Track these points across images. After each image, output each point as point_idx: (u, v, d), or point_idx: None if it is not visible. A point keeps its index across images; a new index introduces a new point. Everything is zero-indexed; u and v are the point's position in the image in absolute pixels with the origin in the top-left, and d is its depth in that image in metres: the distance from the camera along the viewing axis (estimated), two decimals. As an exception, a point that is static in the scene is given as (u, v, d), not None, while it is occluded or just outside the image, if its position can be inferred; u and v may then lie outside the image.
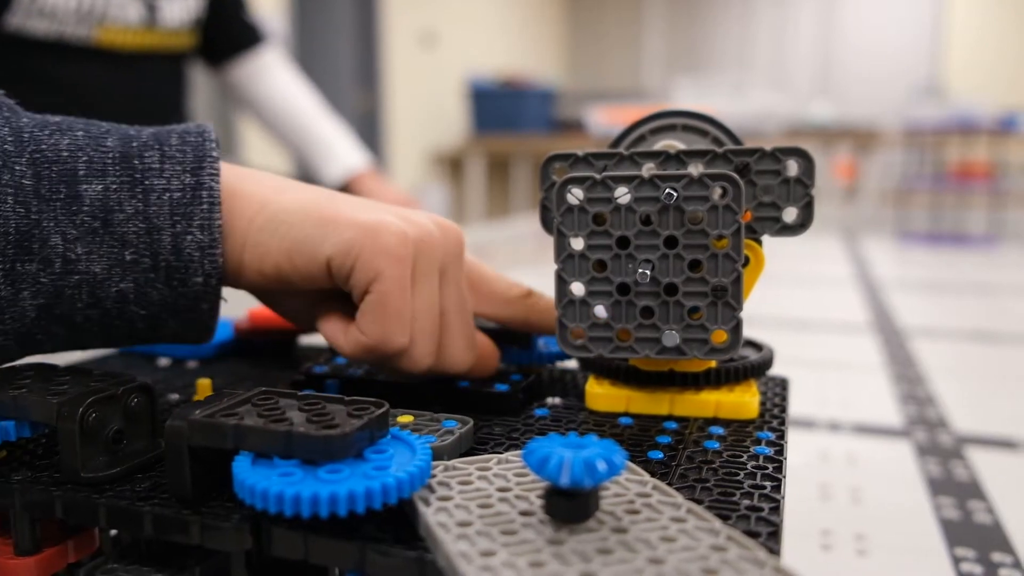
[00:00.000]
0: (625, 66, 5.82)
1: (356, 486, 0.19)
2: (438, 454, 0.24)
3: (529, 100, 3.95)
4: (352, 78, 3.77)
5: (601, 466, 0.18)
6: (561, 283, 0.26)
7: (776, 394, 0.33)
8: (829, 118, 3.51)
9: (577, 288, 0.26)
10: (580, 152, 0.28)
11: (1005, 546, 0.37)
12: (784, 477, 0.24)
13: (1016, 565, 0.35)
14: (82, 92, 0.92)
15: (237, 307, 0.50)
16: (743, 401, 0.27)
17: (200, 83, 1.97)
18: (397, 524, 0.20)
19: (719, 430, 0.28)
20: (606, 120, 2.71)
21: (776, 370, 0.72)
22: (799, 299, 1.02)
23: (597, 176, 0.25)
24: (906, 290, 1.07)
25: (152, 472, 0.25)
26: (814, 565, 0.36)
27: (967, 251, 1.48)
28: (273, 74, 1.14)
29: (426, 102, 4.18)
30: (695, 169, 0.25)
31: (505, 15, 4.96)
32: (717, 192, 0.24)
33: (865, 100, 4.94)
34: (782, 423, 0.29)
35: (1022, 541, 0.38)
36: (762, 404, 0.31)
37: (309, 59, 3.44)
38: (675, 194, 0.24)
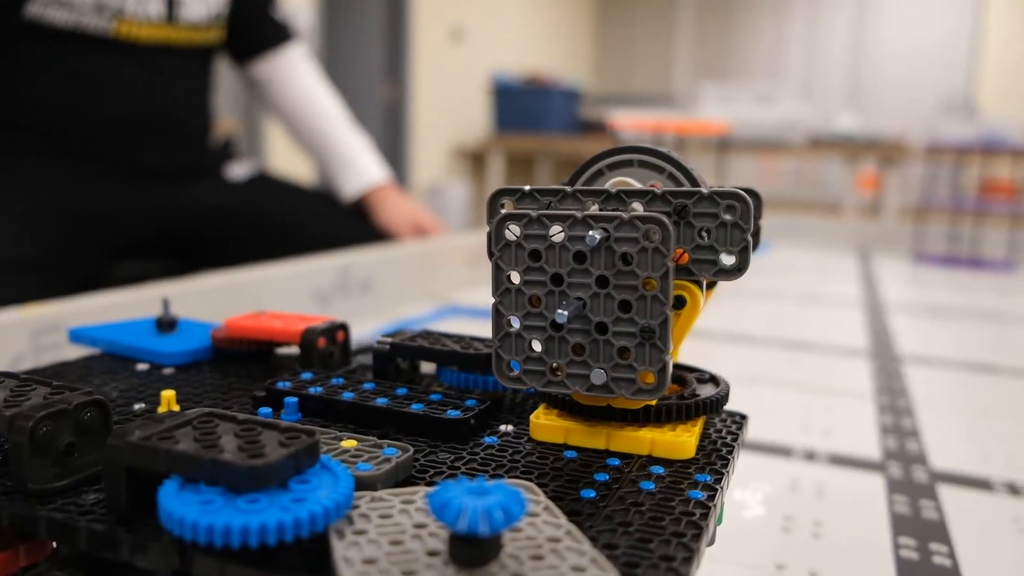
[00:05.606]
0: (654, 71, 5.80)
1: (269, 518, 0.20)
2: (371, 483, 0.24)
3: (553, 99, 3.94)
4: (379, 70, 3.79)
5: (499, 515, 0.18)
6: (498, 316, 0.27)
7: (729, 432, 0.33)
8: (855, 130, 3.47)
9: (514, 322, 0.27)
10: (527, 188, 0.28)
11: (959, 591, 0.37)
12: (708, 526, 0.24)
13: (966, 611, 0.35)
14: (100, 83, 0.93)
15: (218, 315, 0.51)
16: (679, 441, 0.28)
17: (226, 80, 1.99)
18: (322, 554, 0.21)
19: (659, 470, 0.28)
20: (627, 124, 2.71)
21: (764, 392, 0.72)
22: (801, 318, 1.02)
23: (533, 214, 0.26)
24: (912, 315, 1.06)
25: (101, 484, 0.25)
26: (764, 600, 0.36)
27: (983, 275, 1.46)
28: (297, 76, 1.13)
29: (451, 97, 4.20)
30: (637, 208, 0.26)
31: (534, 14, 4.96)
32: (647, 234, 0.24)
33: (895, 114, 4.89)
34: (724, 465, 0.29)
35: (977, 586, 0.38)
36: (712, 443, 0.31)
37: (337, 51, 3.47)
38: (597, 238, 0.24)
